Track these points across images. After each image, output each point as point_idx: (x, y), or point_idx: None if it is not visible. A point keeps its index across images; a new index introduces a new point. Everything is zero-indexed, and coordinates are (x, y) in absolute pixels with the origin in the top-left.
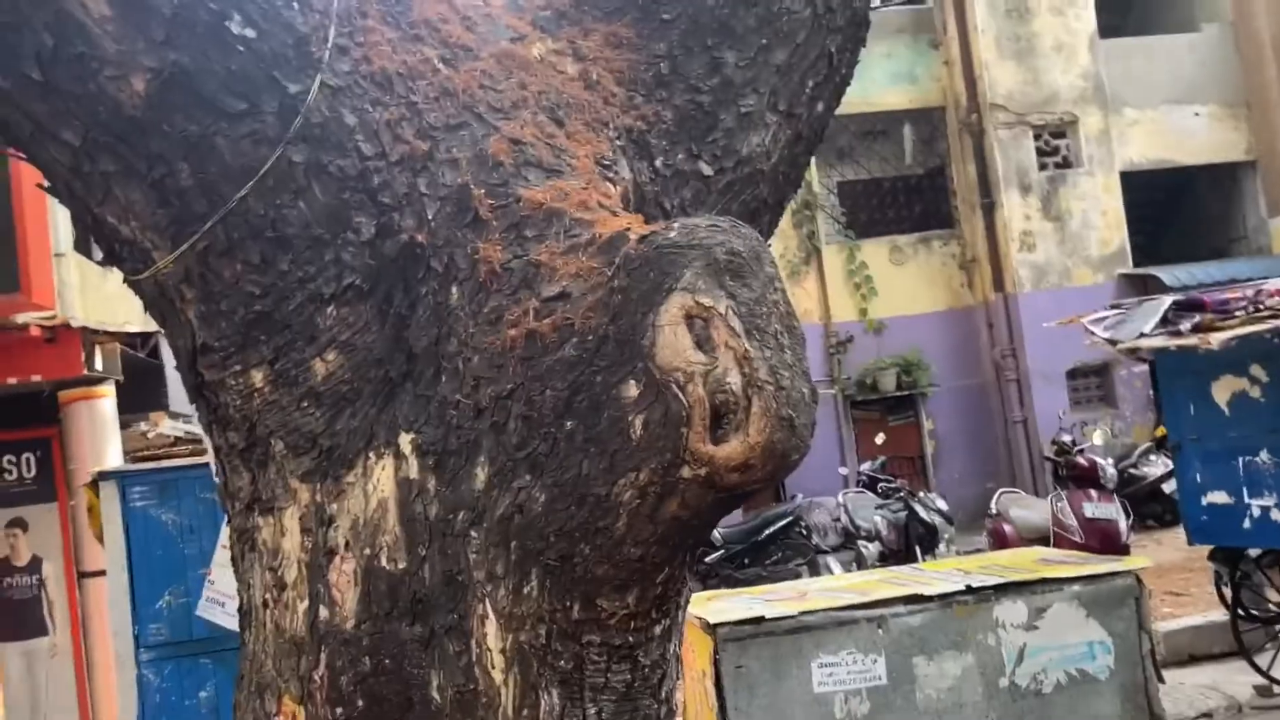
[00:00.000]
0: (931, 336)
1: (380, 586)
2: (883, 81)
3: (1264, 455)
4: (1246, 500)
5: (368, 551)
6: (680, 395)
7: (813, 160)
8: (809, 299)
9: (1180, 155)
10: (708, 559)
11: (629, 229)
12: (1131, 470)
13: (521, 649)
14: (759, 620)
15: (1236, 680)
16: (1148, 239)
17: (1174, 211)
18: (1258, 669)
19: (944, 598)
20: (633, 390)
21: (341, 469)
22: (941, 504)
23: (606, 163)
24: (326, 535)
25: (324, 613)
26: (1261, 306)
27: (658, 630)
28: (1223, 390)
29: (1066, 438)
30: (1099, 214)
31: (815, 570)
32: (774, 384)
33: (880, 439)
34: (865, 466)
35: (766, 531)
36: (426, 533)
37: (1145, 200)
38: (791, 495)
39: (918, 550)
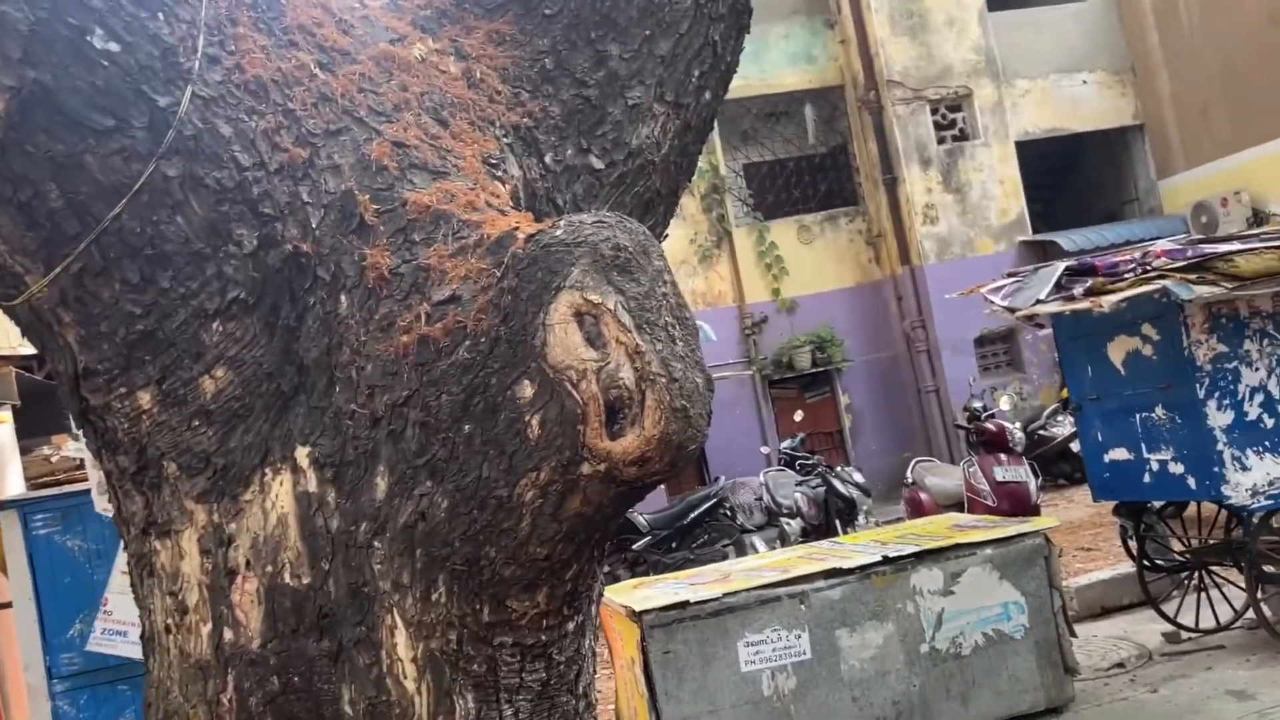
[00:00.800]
0: (843, 312)
1: (285, 604)
2: (781, 63)
3: (1159, 411)
4: (1145, 455)
5: (270, 569)
6: (574, 393)
7: (718, 144)
8: (722, 282)
9: (1071, 123)
10: (635, 546)
11: (517, 228)
12: (1040, 431)
13: (433, 656)
14: (684, 605)
15: (1147, 629)
16: (1045, 206)
17: (1069, 177)
18: (1165, 616)
19: (863, 569)
20: (528, 390)
21: (238, 487)
22: (858, 477)
23: (494, 161)
24: (226, 555)
25: (228, 634)
26: (1149, 268)
27: (570, 626)
28: (1117, 350)
29: (977, 404)
30: (997, 184)
31: (742, 550)
32: (666, 376)
33: (799, 416)
34: (785, 444)
35: (692, 515)
36: (329, 546)
37: (1041, 168)
38: (715, 477)
39: (838, 524)
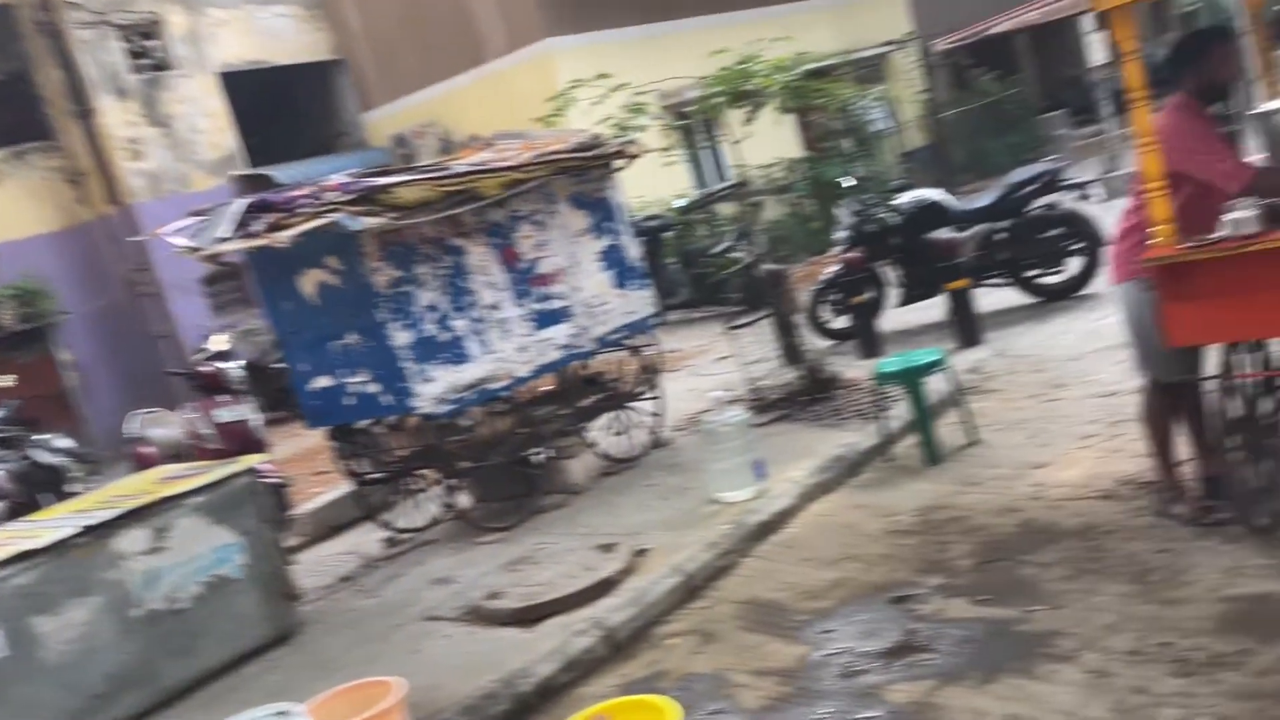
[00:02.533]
0: (50, 260)
1: None
2: None
3: (351, 337)
4: (344, 380)
5: None
6: None
7: None
8: None
9: (275, 55)
10: None
11: None
12: (273, 365)
13: None
14: None
15: (371, 539)
16: (262, 140)
17: (280, 111)
18: (381, 524)
19: (57, 546)
20: None
21: None
22: (64, 443)
23: None
24: None
25: None
26: (323, 201)
27: None
28: (309, 283)
29: (212, 346)
30: (204, 117)
31: None
32: None
33: (9, 381)
34: None
35: None
36: None
37: (251, 101)
38: None
39: (47, 499)
